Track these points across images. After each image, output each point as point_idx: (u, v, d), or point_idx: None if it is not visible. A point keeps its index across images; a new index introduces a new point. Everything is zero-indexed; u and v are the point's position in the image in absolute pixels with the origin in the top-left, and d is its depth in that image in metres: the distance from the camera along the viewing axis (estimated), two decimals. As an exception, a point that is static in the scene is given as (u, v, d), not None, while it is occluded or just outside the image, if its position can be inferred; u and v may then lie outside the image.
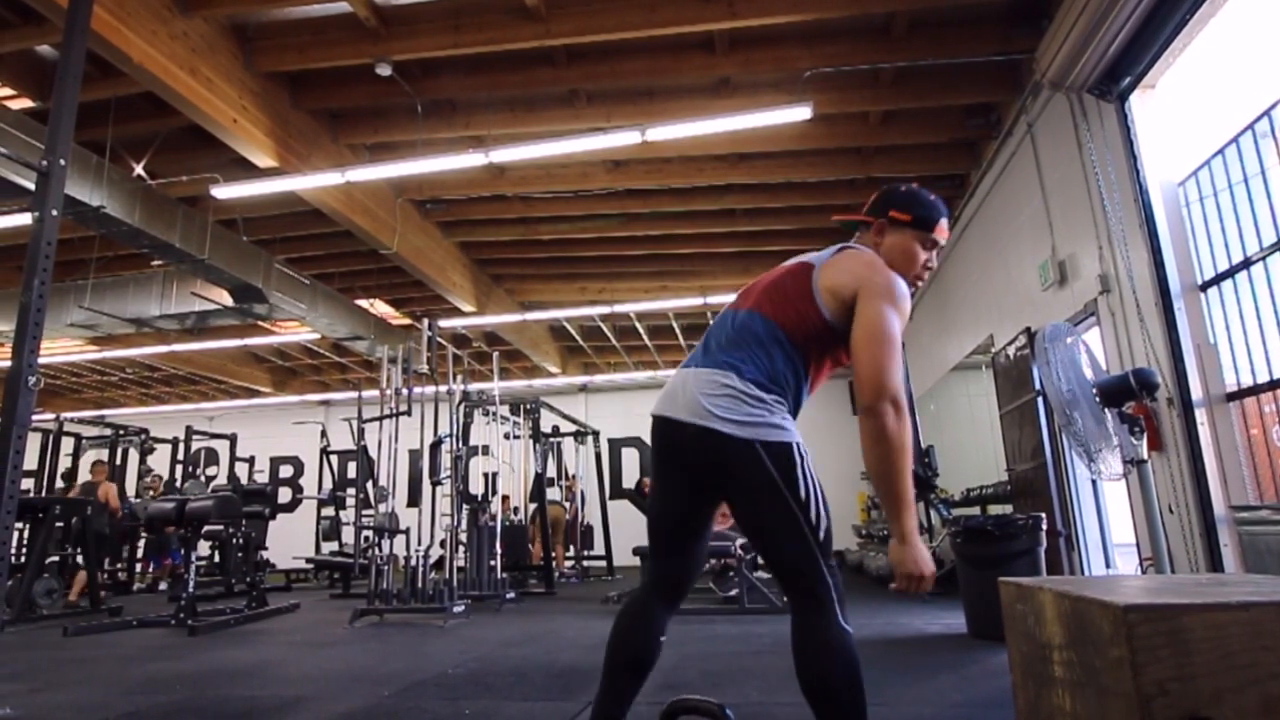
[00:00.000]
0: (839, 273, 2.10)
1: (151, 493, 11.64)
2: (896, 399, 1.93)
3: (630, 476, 16.13)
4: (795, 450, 2.03)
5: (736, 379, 2.06)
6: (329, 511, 13.05)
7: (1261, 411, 4.70)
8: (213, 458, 16.23)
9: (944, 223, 2.27)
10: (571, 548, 13.08)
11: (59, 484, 11.65)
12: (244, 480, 13.19)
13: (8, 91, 7.06)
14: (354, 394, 10.70)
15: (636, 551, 7.13)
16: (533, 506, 11.57)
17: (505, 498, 11.49)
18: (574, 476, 13.79)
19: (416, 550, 7.30)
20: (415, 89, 7.11)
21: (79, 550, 8.56)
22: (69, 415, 13.02)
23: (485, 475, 9.51)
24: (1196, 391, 4.86)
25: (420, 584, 7.17)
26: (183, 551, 9.33)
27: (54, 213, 3.69)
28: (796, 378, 2.12)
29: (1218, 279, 4.84)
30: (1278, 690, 1.45)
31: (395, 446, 8.00)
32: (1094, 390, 4.04)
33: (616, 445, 17.12)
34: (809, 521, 1.99)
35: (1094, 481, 6.42)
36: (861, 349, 1.99)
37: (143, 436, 12.44)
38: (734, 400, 2.04)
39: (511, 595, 8.53)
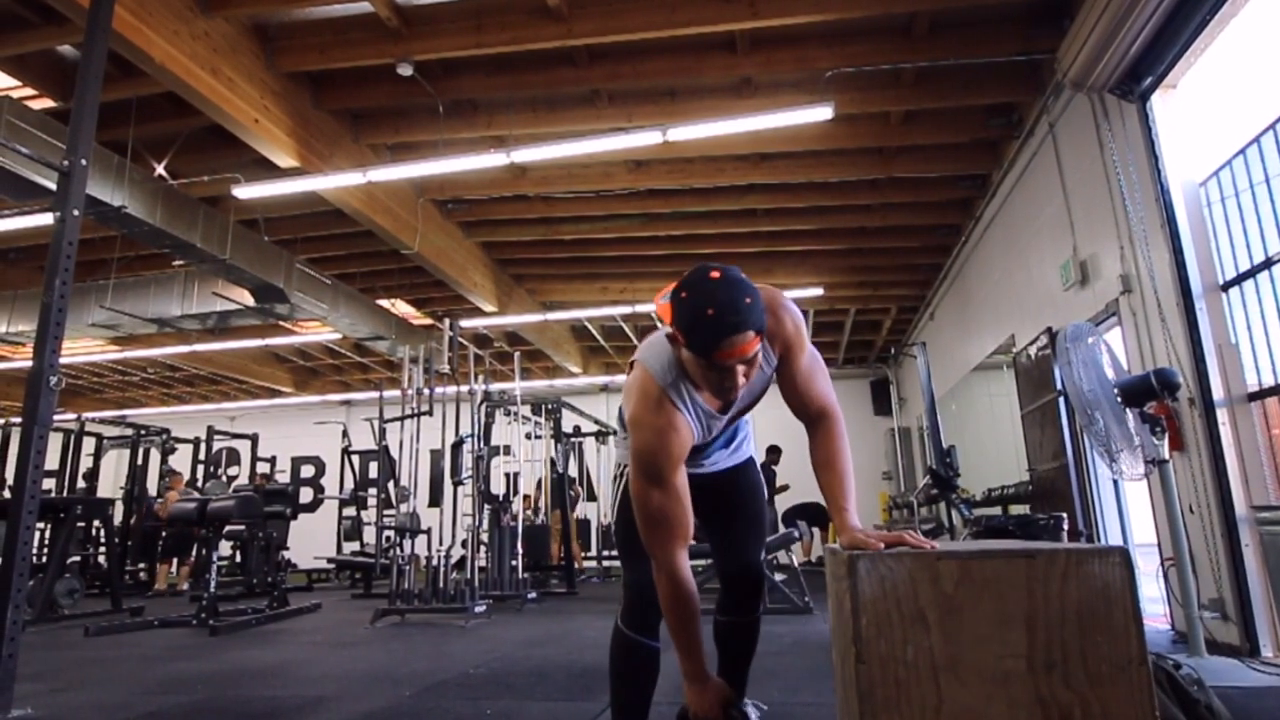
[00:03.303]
0: None
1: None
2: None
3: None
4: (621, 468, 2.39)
5: None
6: (350, 511, 13.13)
7: (1285, 412, 4.66)
8: (234, 457, 16.36)
9: (727, 343, 1.84)
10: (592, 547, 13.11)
11: (80, 484, 11.80)
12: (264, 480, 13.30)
13: (29, 92, 7.11)
14: (375, 394, 10.76)
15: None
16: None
17: (527, 497, 11.53)
18: (573, 480, 13.81)
19: (438, 550, 7.33)
20: (437, 89, 7.13)
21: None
22: (90, 415, 13.17)
23: (506, 475, 9.54)
24: (1218, 391, 4.81)
25: (442, 584, 7.19)
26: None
27: (75, 213, 3.74)
28: None
29: (1239, 279, 4.78)
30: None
31: (417, 446, 8.04)
32: (1115, 390, 4.02)
33: (637, 445, 17.08)
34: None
35: (1115, 481, 6.36)
36: None
37: (164, 437, 12.54)
38: None
39: (533, 595, 8.56)
